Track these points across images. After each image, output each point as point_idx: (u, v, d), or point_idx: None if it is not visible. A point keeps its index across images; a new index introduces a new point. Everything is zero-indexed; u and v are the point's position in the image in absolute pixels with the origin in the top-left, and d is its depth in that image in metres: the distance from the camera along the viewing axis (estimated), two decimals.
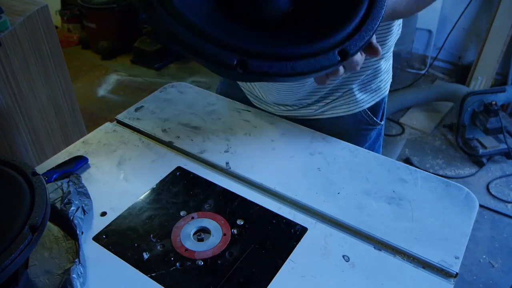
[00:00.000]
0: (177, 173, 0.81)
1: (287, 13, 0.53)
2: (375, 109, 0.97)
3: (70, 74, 1.55)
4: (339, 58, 0.46)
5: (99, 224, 0.71)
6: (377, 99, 0.96)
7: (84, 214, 0.70)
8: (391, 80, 1.00)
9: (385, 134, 1.46)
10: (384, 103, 1.00)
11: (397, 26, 0.89)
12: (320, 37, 0.48)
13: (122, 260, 0.65)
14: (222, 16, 0.50)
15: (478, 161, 2.35)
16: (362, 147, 0.90)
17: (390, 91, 0.99)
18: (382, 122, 1.02)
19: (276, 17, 0.52)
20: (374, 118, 0.97)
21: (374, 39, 0.51)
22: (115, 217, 0.72)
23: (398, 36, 0.91)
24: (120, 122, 0.95)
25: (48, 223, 0.61)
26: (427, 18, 2.88)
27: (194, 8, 0.47)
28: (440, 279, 0.64)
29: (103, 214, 0.73)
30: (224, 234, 0.69)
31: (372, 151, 0.89)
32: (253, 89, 0.99)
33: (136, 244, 0.67)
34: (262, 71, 0.43)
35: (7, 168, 0.61)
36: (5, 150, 1.31)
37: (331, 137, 0.90)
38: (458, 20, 2.80)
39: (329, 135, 0.91)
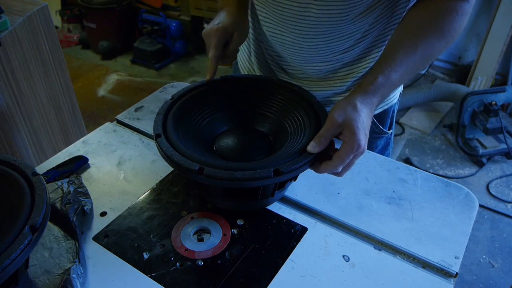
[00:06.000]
0: (177, 173, 0.81)
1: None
2: (382, 117, 0.94)
3: (70, 74, 1.55)
4: (273, 174, 0.61)
5: (99, 224, 0.71)
6: (385, 107, 0.93)
7: (84, 214, 0.70)
8: (401, 89, 0.96)
9: None
10: (393, 111, 0.96)
11: None
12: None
13: (122, 260, 0.65)
14: (202, 148, 0.73)
15: (478, 161, 2.35)
16: None
17: None
18: (390, 131, 0.98)
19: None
20: (380, 127, 0.94)
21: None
22: (115, 217, 0.72)
23: None
24: (120, 122, 0.95)
25: (48, 223, 0.61)
26: None
27: (184, 142, 0.69)
28: (440, 279, 0.64)
29: (103, 214, 0.73)
30: (224, 234, 0.69)
31: None
32: None
33: (136, 244, 0.67)
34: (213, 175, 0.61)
35: (7, 168, 0.61)
36: (5, 150, 1.31)
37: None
38: None
39: None
